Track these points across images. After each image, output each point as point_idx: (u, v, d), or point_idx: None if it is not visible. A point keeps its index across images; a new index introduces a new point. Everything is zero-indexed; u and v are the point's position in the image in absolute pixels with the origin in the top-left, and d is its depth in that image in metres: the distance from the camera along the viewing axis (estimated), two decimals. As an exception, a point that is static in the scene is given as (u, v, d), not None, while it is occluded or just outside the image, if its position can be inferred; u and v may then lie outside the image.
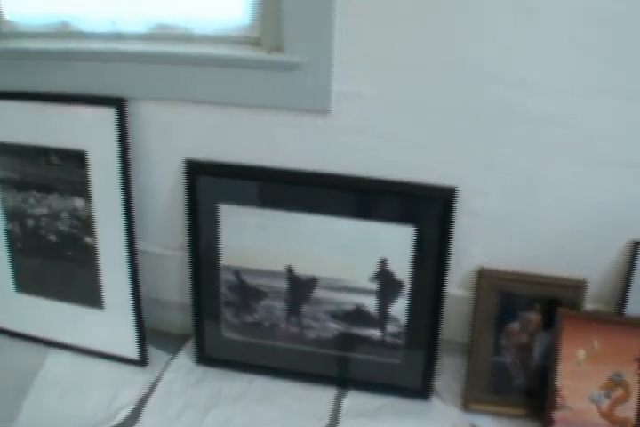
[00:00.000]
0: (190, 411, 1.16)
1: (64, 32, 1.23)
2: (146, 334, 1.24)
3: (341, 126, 1.09)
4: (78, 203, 1.23)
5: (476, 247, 1.14)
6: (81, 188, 1.22)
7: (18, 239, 1.31)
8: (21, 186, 1.27)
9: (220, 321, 1.22)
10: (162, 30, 1.17)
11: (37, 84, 1.22)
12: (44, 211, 1.27)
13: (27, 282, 1.34)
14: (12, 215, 1.30)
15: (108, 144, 1.17)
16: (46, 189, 1.25)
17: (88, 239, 1.24)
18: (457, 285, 1.17)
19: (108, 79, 1.17)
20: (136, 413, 1.16)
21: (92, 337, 1.30)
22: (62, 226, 1.26)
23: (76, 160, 1.20)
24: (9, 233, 1.31)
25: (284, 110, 1.11)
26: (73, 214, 1.24)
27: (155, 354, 1.28)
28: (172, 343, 1.31)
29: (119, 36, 1.19)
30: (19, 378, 1.26)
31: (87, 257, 1.25)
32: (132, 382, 1.23)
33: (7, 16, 1.27)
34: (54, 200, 1.25)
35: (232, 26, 1.13)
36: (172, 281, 1.29)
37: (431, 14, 0.98)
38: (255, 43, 1.12)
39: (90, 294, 1.27)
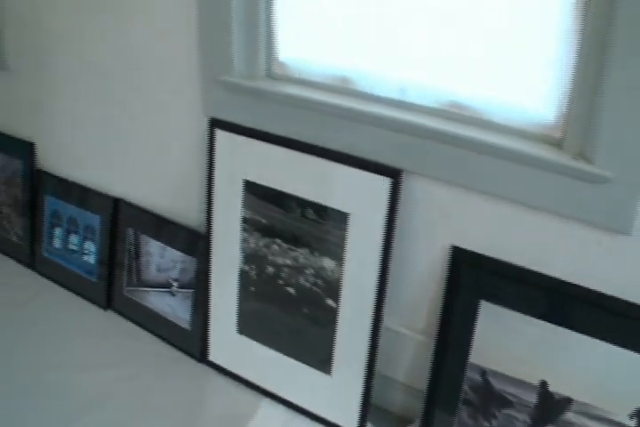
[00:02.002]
0: None
1: (342, 87, 1.20)
2: (369, 409, 1.21)
3: (635, 250, 1.01)
4: (327, 263, 1.21)
5: None
6: (334, 249, 1.19)
7: (251, 282, 1.31)
8: (266, 231, 1.26)
9: (453, 417, 1.16)
10: (452, 108, 1.10)
11: (306, 133, 1.20)
12: (288, 262, 1.26)
13: (251, 326, 1.34)
14: (250, 257, 1.30)
15: (376, 213, 1.13)
16: (295, 241, 1.24)
17: (330, 302, 1.22)
18: None
19: (386, 147, 1.12)
20: None
21: (311, 398, 1.28)
22: (304, 282, 1.25)
23: (335, 220, 1.18)
24: (243, 274, 1.31)
25: (574, 221, 1.02)
26: (319, 273, 1.22)
27: (370, 430, 1.25)
28: (390, 422, 1.27)
29: (405, 106, 1.13)
30: (230, 419, 1.26)
31: (325, 319, 1.23)
32: (347, 456, 1.21)
33: (281, 58, 1.27)
34: (302, 255, 1.23)
35: (531, 120, 1.04)
36: (406, 362, 1.25)
37: None
38: (555, 143, 1.02)
39: (319, 356, 1.25)
